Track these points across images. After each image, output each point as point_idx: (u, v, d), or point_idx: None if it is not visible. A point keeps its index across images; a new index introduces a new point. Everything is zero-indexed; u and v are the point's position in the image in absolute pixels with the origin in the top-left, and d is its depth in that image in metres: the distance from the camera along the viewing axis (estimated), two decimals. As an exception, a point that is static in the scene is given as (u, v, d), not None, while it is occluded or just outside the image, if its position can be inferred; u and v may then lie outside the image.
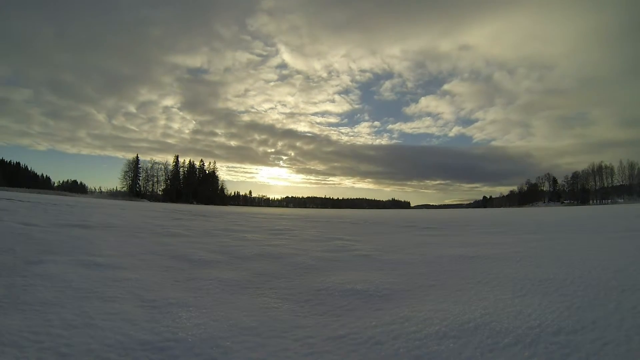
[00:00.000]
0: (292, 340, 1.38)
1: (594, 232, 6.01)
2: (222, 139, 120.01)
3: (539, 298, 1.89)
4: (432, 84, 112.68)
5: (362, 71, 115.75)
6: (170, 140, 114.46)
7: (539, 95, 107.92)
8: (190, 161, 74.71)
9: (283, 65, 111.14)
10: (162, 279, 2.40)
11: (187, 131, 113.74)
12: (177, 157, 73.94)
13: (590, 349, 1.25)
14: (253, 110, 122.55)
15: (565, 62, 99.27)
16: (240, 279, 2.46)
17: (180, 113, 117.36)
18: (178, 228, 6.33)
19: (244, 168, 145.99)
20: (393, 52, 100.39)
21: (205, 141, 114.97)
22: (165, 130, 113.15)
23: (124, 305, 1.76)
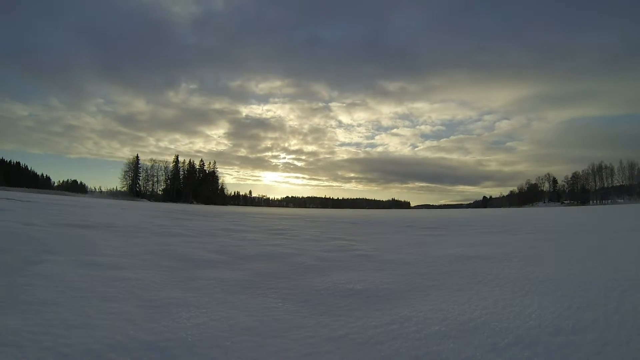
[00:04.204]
0: (292, 340, 1.38)
1: (593, 232, 6.02)
2: (243, 153, 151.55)
3: (539, 298, 1.89)
4: (382, 129, 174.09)
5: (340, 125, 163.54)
6: (198, 153, 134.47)
7: (458, 135, 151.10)
8: (190, 161, 74.80)
9: (291, 122, 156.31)
10: (162, 279, 2.39)
11: (216, 150, 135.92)
12: (177, 157, 74.03)
13: (591, 349, 1.25)
14: (277, 138, 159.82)
15: (468, 121, 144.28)
16: (240, 278, 2.46)
17: (219, 139, 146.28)
18: (178, 228, 6.33)
19: (252, 173, 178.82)
20: (350, 121, 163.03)
21: (229, 155, 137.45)
22: (200, 148, 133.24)
23: (124, 305, 1.76)
